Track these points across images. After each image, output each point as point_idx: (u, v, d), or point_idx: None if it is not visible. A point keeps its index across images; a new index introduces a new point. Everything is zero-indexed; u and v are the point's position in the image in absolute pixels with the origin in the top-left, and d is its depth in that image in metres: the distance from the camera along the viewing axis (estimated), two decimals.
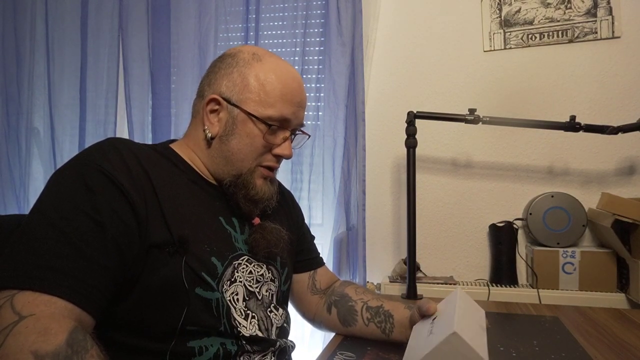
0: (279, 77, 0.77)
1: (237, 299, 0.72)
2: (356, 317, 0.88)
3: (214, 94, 0.77)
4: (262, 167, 0.79)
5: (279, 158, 0.80)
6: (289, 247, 0.86)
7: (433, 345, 0.61)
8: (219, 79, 0.78)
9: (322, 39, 1.72)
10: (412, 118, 1.36)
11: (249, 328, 0.72)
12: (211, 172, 0.79)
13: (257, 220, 0.82)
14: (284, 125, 0.79)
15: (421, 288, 1.38)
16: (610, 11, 1.53)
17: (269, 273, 0.80)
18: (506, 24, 1.62)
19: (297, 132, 0.84)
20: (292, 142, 0.83)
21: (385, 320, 0.85)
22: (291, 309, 0.93)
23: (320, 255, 1.01)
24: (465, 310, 0.69)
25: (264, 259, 0.80)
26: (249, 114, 0.75)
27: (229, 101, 0.76)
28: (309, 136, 0.88)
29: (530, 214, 1.49)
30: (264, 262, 0.80)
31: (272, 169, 0.81)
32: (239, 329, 0.70)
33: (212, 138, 0.78)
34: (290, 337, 0.84)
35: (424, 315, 0.74)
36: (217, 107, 0.77)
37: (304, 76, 1.74)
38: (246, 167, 0.77)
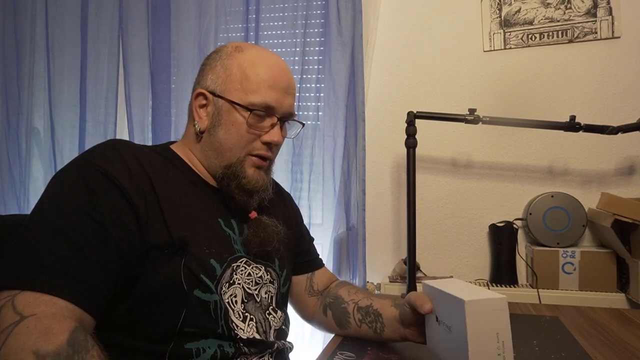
0: (261, 63, 0.76)
1: (236, 301, 0.72)
2: (349, 319, 0.87)
3: (201, 89, 0.78)
4: (253, 157, 0.78)
5: (269, 146, 0.79)
6: (287, 246, 0.86)
7: (465, 332, 0.57)
8: (205, 74, 0.80)
9: (322, 39, 1.72)
10: (412, 118, 1.36)
11: (246, 330, 0.72)
12: (206, 167, 0.79)
13: (253, 214, 0.81)
14: (270, 112, 0.77)
15: (421, 288, 1.38)
16: (610, 11, 1.53)
17: (267, 275, 0.80)
18: (506, 24, 1.62)
19: (290, 121, 0.82)
20: (283, 130, 0.81)
21: (375, 320, 0.84)
22: (290, 310, 0.93)
23: (320, 257, 1.01)
24: (451, 283, 0.69)
25: (262, 261, 0.79)
26: (232, 102, 0.75)
27: (214, 93, 0.77)
28: (303, 125, 0.87)
29: (530, 214, 1.49)
30: (262, 264, 0.79)
31: (265, 158, 0.79)
32: (236, 331, 0.70)
33: (202, 132, 0.78)
34: (290, 337, 0.83)
35: (415, 309, 0.72)
36: (204, 101, 0.78)
37: (304, 76, 1.74)
38: (235, 156, 0.77)
